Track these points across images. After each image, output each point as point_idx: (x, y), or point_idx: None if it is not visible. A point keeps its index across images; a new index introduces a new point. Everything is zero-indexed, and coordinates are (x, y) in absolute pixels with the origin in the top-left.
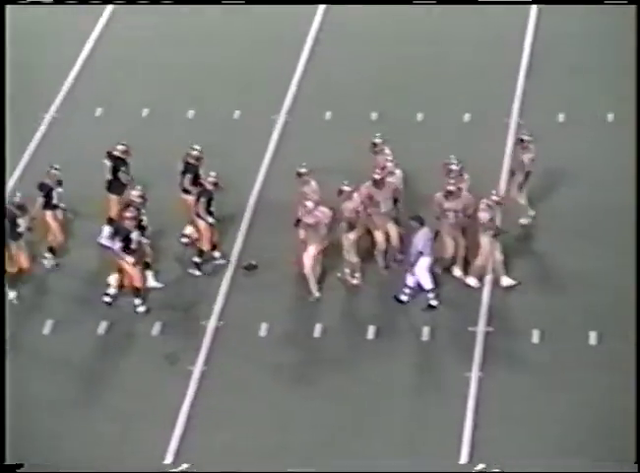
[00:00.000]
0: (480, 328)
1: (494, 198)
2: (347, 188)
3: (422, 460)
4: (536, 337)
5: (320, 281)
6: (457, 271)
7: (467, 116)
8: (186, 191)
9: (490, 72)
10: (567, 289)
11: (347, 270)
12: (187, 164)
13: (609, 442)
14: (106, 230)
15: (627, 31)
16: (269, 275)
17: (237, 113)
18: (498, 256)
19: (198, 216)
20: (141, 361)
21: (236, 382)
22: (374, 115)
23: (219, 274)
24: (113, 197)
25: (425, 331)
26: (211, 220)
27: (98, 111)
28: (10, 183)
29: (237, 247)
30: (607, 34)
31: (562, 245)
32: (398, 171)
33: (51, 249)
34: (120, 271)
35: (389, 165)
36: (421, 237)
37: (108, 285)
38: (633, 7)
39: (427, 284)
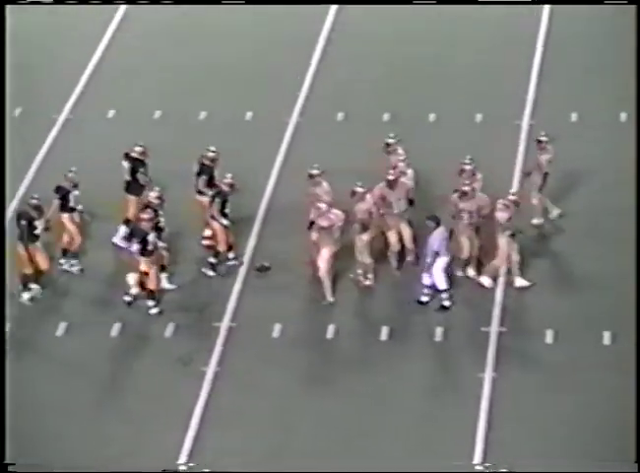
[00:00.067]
0: (494, 329)
1: (511, 198)
2: (359, 189)
3: (435, 461)
4: (549, 337)
5: (333, 282)
6: (470, 271)
7: (479, 117)
8: (201, 193)
9: (502, 73)
10: (581, 289)
11: (359, 271)
12: (202, 165)
13: (622, 443)
14: (122, 230)
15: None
16: (282, 276)
17: (249, 115)
18: (515, 257)
19: (212, 217)
20: (154, 362)
21: (249, 383)
22: (386, 116)
23: (232, 275)
24: (132, 198)
25: (439, 332)
26: (225, 222)
27: (111, 113)
28: (24, 184)
29: (250, 249)
30: (617, 35)
31: (576, 246)
32: (410, 171)
33: (64, 252)
34: (139, 271)
35: (401, 164)
36: (437, 237)
37: (128, 285)
38: (633, 7)
39: (442, 284)
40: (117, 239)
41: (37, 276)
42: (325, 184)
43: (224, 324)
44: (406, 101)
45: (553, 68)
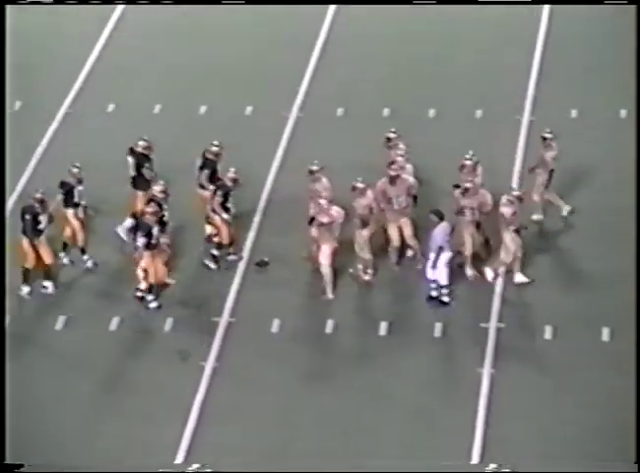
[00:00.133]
0: (493, 324)
1: (515, 193)
2: (360, 185)
3: (433, 457)
4: (548, 333)
5: (333, 278)
6: (469, 269)
7: (479, 112)
8: (203, 187)
9: (502, 72)
10: (580, 286)
11: (360, 266)
12: (206, 159)
13: (622, 441)
14: (128, 221)
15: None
16: (281, 271)
17: (249, 110)
18: (518, 253)
19: (213, 211)
20: (153, 357)
21: (248, 378)
22: (386, 111)
23: (231, 270)
24: (139, 193)
25: (438, 327)
26: (225, 216)
27: (110, 108)
28: (24, 177)
29: (249, 244)
30: (617, 34)
31: (576, 243)
32: (409, 166)
33: (65, 246)
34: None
35: (399, 159)
36: (440, 232)
37: (139, 280)
38: (633, 7)
39: (443, 280)
40: (121, 229)
41: (43, 271)
42: (325, 180)
43: (223, 319)
44: (406, 97)
45: (553, 67)
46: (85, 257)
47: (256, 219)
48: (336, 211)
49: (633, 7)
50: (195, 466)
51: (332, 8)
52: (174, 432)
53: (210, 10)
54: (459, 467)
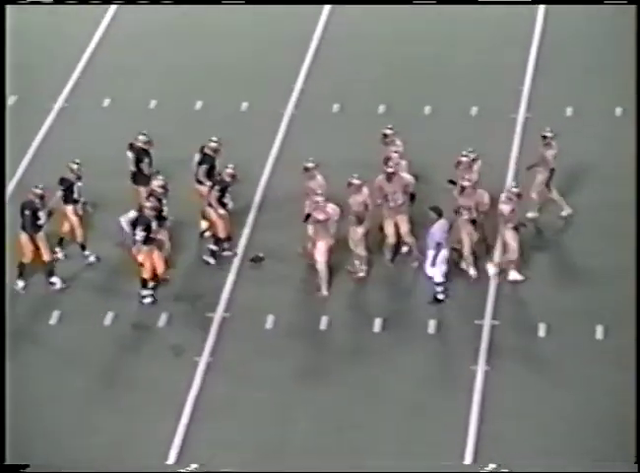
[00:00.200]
0: (487, 322)
1: (514, 190)
2: (356, 181)
3: (427, 454)
4: (542, 331)
5: (327, 274)
6: (464, 264)
7: (474, 110)
8: (200, 182)
9: (502, 72)
10: (575, 283)
11: (357, 262)
12: (204, 155)
13: (616, 439)
14: (132, 213)
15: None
16: (276, 267)
17: (244, 106)
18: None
19: (210, 206)
20: (147, 352)
21: (242, 374)
22: (382, 108)
23: (226, 266)
24: (141, 189)
25: (432, 324)
26: (222, 211)
27: (106, 102)
28: (19, 172)
29: (244, 240)
30: (617, 34)
31: (574, 240)
32: (403, 162)
33: (61, 241)
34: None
35: (394, 155)
36: (438, 229)
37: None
38: (633, 7)
39: (438, 277)
40: (123, 220)
41: (44, 267)
42: (319, 177)
43: (218, 315)
44: (401, 94)
45: (552, 67)
46: (86, 253)
47: (251, 215)
48: (331, 208)
49: (633, 7)
50: (194, 466)
51: (332, 8)
52: (168, 427)
53: (208, 10)
54: (459, 467)
